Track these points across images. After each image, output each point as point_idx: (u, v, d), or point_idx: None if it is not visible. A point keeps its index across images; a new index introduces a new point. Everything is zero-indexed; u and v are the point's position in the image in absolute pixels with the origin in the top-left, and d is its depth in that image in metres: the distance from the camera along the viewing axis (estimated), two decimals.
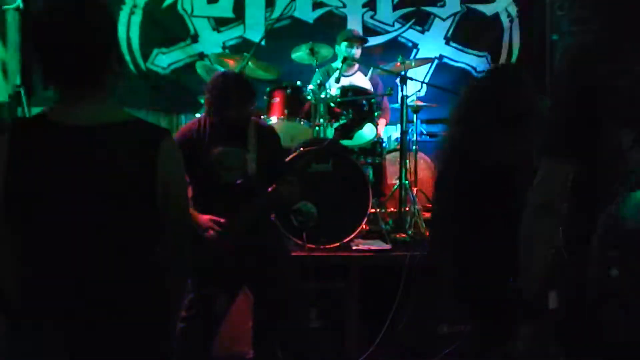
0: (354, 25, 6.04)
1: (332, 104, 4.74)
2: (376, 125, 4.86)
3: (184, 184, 1.87)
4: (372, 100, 4.84)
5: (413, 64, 5.22)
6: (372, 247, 4.25)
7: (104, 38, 1.69)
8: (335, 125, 4.60)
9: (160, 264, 1.76)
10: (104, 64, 1.70)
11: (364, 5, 6.21)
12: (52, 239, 1.64)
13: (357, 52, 5.38)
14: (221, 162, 3.26)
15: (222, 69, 4.96)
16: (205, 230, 3.17)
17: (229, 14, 6.13)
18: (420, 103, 5.44)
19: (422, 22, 6.23)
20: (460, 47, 6.20)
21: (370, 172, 4.94)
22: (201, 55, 6.01)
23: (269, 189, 3.25)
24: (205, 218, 3.19)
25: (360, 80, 5.45)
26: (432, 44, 6.20)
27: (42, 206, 1.63)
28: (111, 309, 1.67)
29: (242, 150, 3.29)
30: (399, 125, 4.97)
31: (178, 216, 1.79)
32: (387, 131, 5.79)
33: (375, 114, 4.85)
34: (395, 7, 6.21)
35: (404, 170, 4.69)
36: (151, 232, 1.72)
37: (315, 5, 6.15)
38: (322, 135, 4.76)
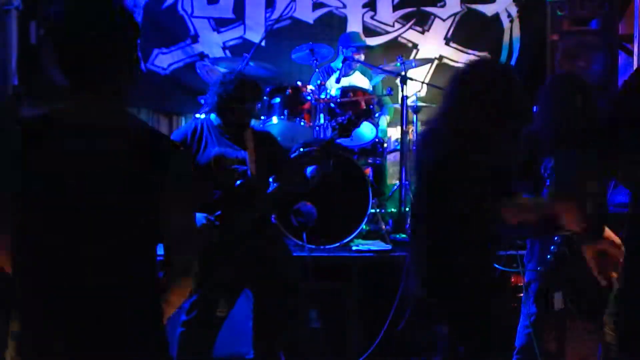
0: (354, 25, 6.05)
1: (331, 104, 4.74)
2: (376, 125, 4.87)
3: (190, 189, 1.85)
4: (372, 100, 4.85)
5: (413, 64, 5.22)
6: (372, 247, 4.25)
7: (125, 39, 1.68)
8: (334, 124, 4.61)
9: (165, 265, 1.76)
10: (115, 65, 1.69)
11: (364, 6, 6.19)
12: (55, 238, 1.64)
13: (362, 57, 5.40)
14: (221, 164, 3.26)
15: (223, 70, 4.97)
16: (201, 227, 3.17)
17: (229, 14, 6.13)
18: (420, 103, 5.44)
19: (422, 22, 6.22)
20: (460, 47, 6.19)
21: (370, 172, 4.94)
22: (201, 56, 6.00)
23: (269, 190, 3.27)
24: (199, 215, 3.19)
25: (360, 79, 5.46)
26: (432, 45, 6.20)
27: (46, 205, 1.63)
28: (111, 310, 1.67)
29: (240, 152, 3.30)
30: (399, 126, 4.98)
31: (184, 220, 1.79)
32: (388, 132, 5.79)
33: (376, 114, 4.85)
34: (395, 8, 6.20)
35: (404, 171, 4.69)
36: (155, 232, 1.72)
37: (316, 6, 6.15)
38: (322, 135, 4.77)
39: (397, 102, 5.06)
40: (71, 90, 1.68)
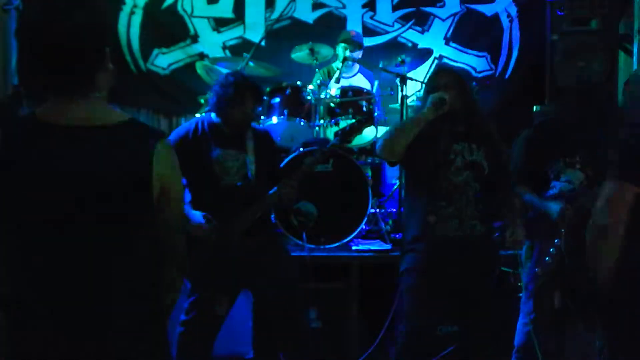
0: (354, 25, 6.04)
1: (332, 104, 4.74)
2: (376, 125, 4.86)
3: (180, 186, 1.86)
4: (372, 100, 4.85)
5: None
6: (372, 247, 4.25)
7: (95, 38, 1.68)
8: (335, 129, 4.60)
9: (155, 265, 1.75)
10: (96, 64, 1.69)
11: (363, 6, 6.19)
12: (43, 240, 1.63)
13: (354, 53, 5.37)
14: (221, 164, 3.26)
15: (223, 70, 4.97)
16: (197, 226, 3.16)
17: (229, 14, 6.12)
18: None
19: (422, 22, 6.21)
20: (460, 47, 6.19)
21: (369, 172, 4.94)
22: (201, 56, 5.99)
23: (270, 192, 3.27)
24: (198, 213, 3.19)
25: (361, 81, 5.45)
26: (431, 44, 6.20)
27: (33, 207, 1.62)
28: (105, 308, 1.67)
29: (241, 153, 3.30)
30: None
31: (173, 217, 1.79)
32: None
33: (376, 114, 4.85)
34: (394, 8, 6.20)
35: (403, 171, 4.68)
36: (145, 232, 1.72)
37: (315, 6, 6.14)
38: (322, 135, 4.76)
39: (397, 102, 5.05)
40: (52, 90, 1.68)
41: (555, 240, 3.12)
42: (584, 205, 3.06)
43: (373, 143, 4.97)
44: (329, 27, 6.02)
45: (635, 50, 5.31)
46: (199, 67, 5.33)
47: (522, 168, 3.26)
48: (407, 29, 6.22)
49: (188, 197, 3.28)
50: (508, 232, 3.07)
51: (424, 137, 2.96)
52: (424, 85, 3.25)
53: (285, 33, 5.99)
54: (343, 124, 4.63)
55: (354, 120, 4.33)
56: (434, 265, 2.99)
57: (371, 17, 6.20)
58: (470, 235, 3.00)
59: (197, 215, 3.18)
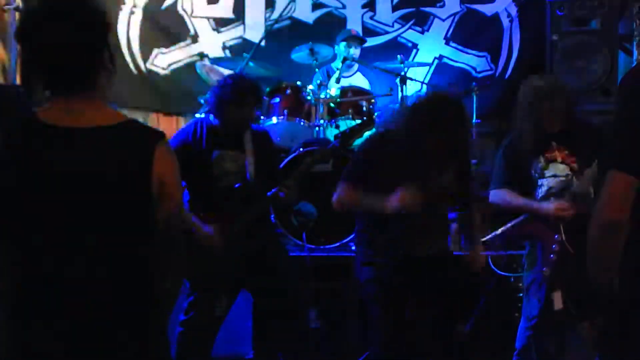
0: (354, 25, 6.04)
1: (332, 104, 4.74)
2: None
3: (179, 186, 1.86)
4: (372, 100, 4.85)
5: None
6: None
7: (95, 38, 1.68)
8: (335, 130, 4.60)
9: (154, 265, 1.75)
10: (95, 64, 1.69)
11: (363, 6, 6.18)
12: (43, 240, 1.63)
13: (355, 52, 5.39)
14: (220, 166, 3.26)
15: (223, 70, 4.97)
16: (207, 236, 3.17)
17: (229, 14, 6.12)
18: None
19: (422, 22, 6.20)
20: (460, 47, 6.18)
21: None
22: (201, 56, 6.00)
23: (269, 193, 3.27)
24: (209, 229, 3.19)
25: (360, 80, 5.45)
26: (431, 44, 6.19)
27: (33, 208, 1.62)
28: (105, 308, 1.66)
29: (240, 155, 3.30)
30: None
31: (172, 218, 1.79)
32: None
33: (376, 114, 4.85)
34: (394, 8, 6.19)
35: None
36: (145, 233, 1.72)
37: (315, 6, 6.14)
38: (322, 135, 4.76)
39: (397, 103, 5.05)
40: (51, 90, 1.68)
41: (555, 236, 3.12)
42: (577, 192, 3.07)
43: None
44: (329, 27, 6.01)
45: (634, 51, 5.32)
46: (199, 67, 5.33)
47: (506, 174, 3.27)
48: (407, 29, 6.22)
49: (186, 198, 3.29)
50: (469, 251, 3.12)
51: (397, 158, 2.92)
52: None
53: (285, 33, 5.99)
54: (343, 124, 4.63)
55: (354, 123, 4.34)
56: (400, 280, 2.98)
57: (371, 18, 6.20)
58: (439, 252, 3.02)
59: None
